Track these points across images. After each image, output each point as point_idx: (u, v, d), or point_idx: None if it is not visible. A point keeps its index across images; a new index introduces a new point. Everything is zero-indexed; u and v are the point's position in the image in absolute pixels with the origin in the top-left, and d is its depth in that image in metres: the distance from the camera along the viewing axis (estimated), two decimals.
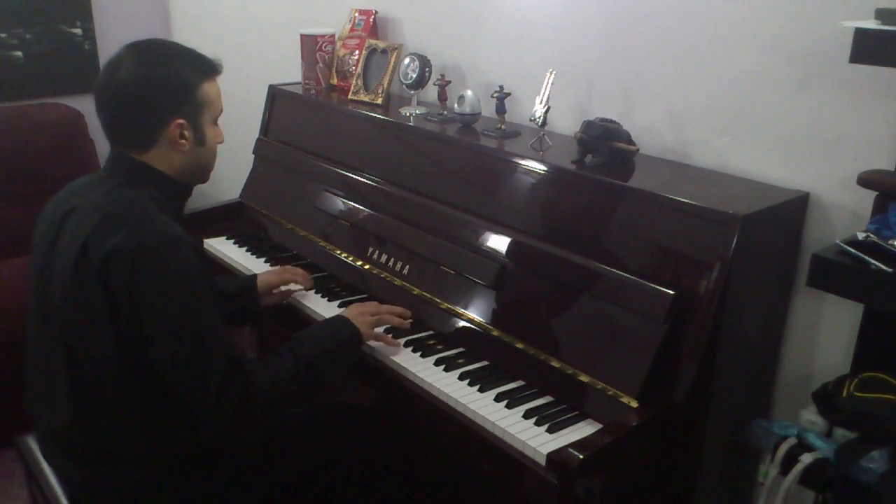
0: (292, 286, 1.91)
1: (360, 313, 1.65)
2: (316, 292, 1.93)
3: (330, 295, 1.91)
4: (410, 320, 1.73)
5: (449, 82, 2.13)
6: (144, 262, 1.32)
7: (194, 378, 1.36)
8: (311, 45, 2.47)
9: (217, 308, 1.40)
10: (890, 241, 1.28)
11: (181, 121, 1.45)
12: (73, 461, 1.47)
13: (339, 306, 1.85)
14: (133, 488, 1.43)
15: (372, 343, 1.68)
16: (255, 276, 1.91)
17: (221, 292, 1.78)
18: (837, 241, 1.33)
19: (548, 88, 1.76)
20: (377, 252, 1.93)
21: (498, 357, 1.62)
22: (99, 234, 1.34)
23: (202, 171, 1.55)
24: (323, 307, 1.86)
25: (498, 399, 1.50)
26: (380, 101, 2.28)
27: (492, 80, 2.12)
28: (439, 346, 1.68)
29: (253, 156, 2.46)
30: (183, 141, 1.46)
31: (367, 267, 1.94)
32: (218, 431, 1.49)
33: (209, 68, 1.49)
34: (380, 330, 1.68)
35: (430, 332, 1.74)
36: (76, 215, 1.41)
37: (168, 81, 1.43)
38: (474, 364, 1.62)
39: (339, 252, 2.03)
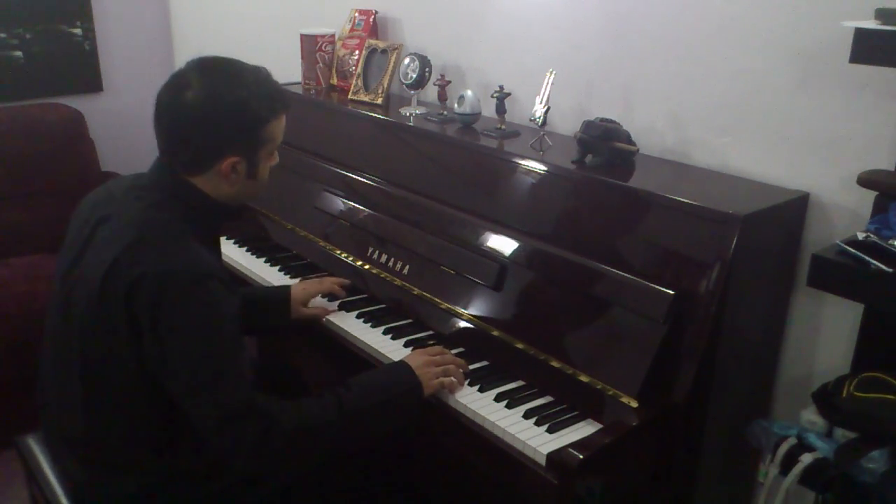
0: (322, 299, 1.86)
1: (425, 363, 1.52)
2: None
3: (330, 295, 1.91)
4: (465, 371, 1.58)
5: (449, 82, 2.13)
6: (170, 292, 1.28)
7: (205, 415, 1.32)
8: (311, 45, 2.47)
9: (240, 345, 1.35)
10: (890, 241, 1.28)
11: (236, 159, 1.39)
12: (78, 462, 1.47)
13: (339, 306, 1.85)
14: (136, 492, 1.43)
15: (371, 343, 1.68)
16: (289, 287, 1.84)
17: (252, 299, 1.76)
18: (837, 241, 1.33)
19: (548, 88, 1.77)
20: (377, 252, 1.93)
21: (498, 357, 1.62)
22: (129, 256, 1.31)
23: (247, 200, 1.52)
24: (323, 307, 1.86)
25: (498, 399, 1.50)
26: (380, 101, 2.28)
27: (492, 80, 2.12)
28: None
29: None
30: (234, 175, 1.41)
31: (367, 267, 1.94)
32: (239, 472, 1.45)
33: (280, 105, 1.43)
34: (443, 378, 1.52)
35: (430, 332, 1.74)
36: (110, 226, 1.38)
37: (235, 117, 1.37)
38: (474, 364, 1.61)
39: (339, 252, 2.03)
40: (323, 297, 1.87)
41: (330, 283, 1.86)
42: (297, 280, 1.98)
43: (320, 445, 1.40)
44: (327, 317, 1.81)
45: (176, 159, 1.42)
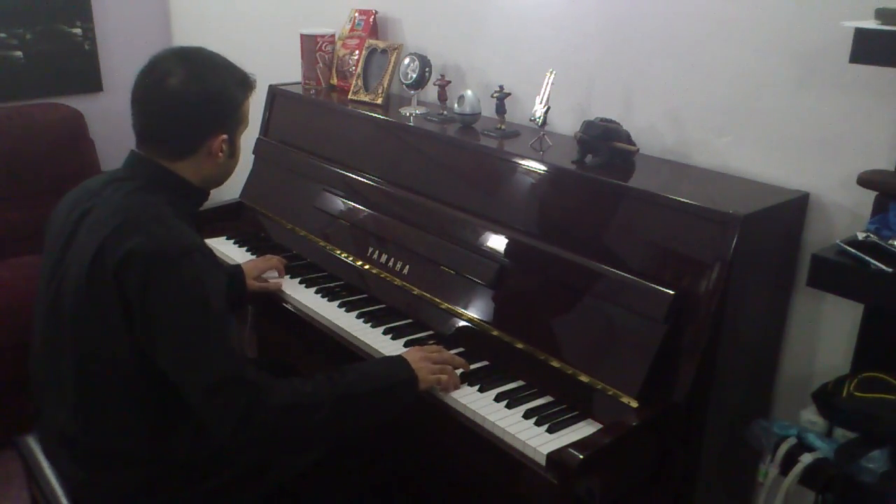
0: (274, 274, 2.00)
1: (422, 358, 1.53)
2: (315, 292, 1.93)
3: (330, 295, 1.91)
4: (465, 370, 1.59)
5: (449, 82, 2.13)
6: (159, 266, 1.32)
7: (194, 386, 1.34)
8: (311, 45, 2.47)
9: (228, 318, 1.39)
10: (890, 241, 1.28)
11: (225, 136, 1.48)
12: (75, 460, 1.47)
13: (339, 306, 1.85)
14: (134, 489, 1.43)
15: (371, 343, 1.69)
16: (239, 264, 1.97)
17: None
18: (837, 241, 1.33)
19: (548, 88, 1.77)
20: (377, 252, 1.93)
21: (498, 357, 1.62)
22: (116, 237, 1.34)
23: (223, 180, 1.58)
24: (324, 307, 1.86)
25: (498, 399, 1.50)
26: (380, 101, 2.28)
27: (492, 80, 2.12)
28: None
29: (253, 156, 2.46)
30: (220, 154, 1.49)
31: (367, 267, 1.94)
32: (226, 444, 1.46)
33: (249, 85, 1.53)
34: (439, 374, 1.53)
35: (430, 332, 1.74)
36: (93, 216, 1.41)
37: (220, 97, 1.46)
38: (474, 364, 1.61)
39: (339, 252, 2.03)
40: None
41: (277, 260, 2.02)
42: (296, 280, 1.99)
43: (308, 424, 1.40)
44: (327, 316, 1.81)
45: (160, 148, 1.47)
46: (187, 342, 1.33)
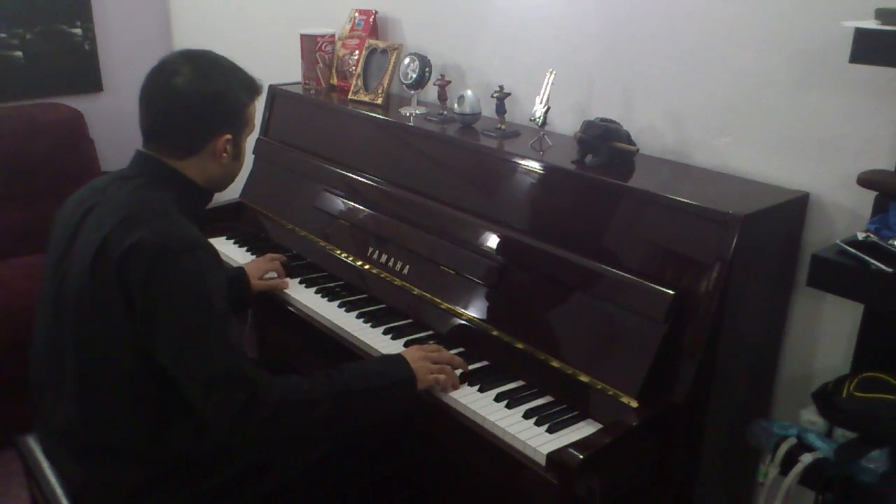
0: (274, 274, 2.01)
1: (421, 357, 1.54)
2: (316, 292, 1.93)
3: (330, 295, 1.91)
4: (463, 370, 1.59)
5: (449, 82, 2.13)
6: (162, 260, 1.33)
7: (193, 381, 1.35)
8: (311, 45, 2.47)
9: (228, 316, 1.39)
10: (890, 241, 1.28)
11: (229, 136, 1.50)
12: (75, 458, 1.47)
13: (339, 306, 1.85)
14: (134, 487, 1.43)
15: (371, 343, 1.69)
16: (241, 266, 1.98)
17: None
18: (837, 241, 1.33)
19: (548, 88, 1.77)
20: (377, 252, 1.93)
21: (498, 357, 1.62)
22: (120, 231, 1.35)
23: (227, 183, 1.60)
24: (324, 307, 1.86)
25: (498, 399, 1.50)
26: (380, 101, 2.28)
27: (492, 80, 2.12)
28: None
29: (253, 156, 2.46)
30: (224, 155, 1.51)
31: (367, 267, 1.94)
32: (224, 440, 1.46)
33: (256, 89, 1.56)
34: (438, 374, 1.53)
35: (430, 332, 1.74)
36: (97, 213, 1.43)
37: (226, 97, 1.49)
38: (474, 364, 1.61)
39: (339, 252, 2.03)
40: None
41: (279, 262, 2.03)
42: (296, 280, 1.99)
43: (306, 421, 1.41)
44: (327, 316, 1.81)
45: (166, 146, 1.48)
46: (187, 337, 1.34)
